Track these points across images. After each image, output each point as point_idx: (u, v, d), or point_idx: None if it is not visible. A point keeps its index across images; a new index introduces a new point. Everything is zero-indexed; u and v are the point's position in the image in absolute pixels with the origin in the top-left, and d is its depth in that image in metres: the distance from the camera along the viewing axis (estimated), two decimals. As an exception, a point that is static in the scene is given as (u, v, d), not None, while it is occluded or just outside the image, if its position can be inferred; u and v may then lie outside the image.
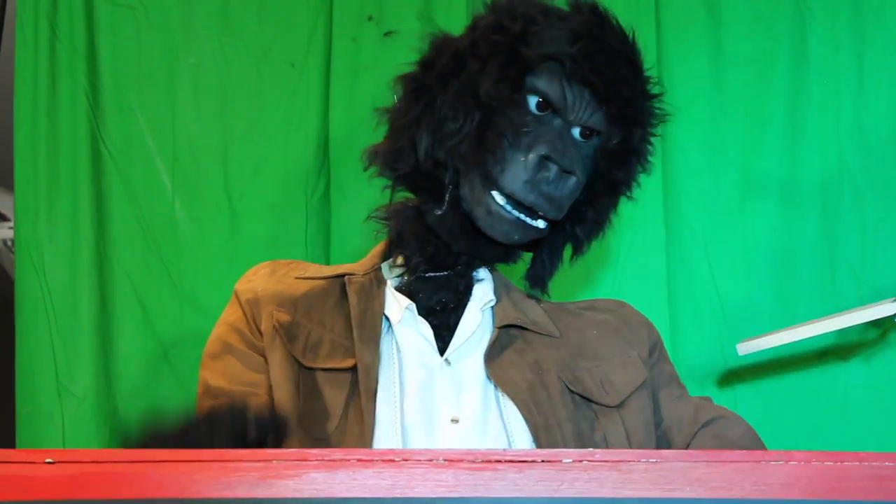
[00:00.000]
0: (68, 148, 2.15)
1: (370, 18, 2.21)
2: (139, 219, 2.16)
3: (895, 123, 2.21)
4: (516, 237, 1.53)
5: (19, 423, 2.10)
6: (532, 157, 1.49)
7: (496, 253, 1.59)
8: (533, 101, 1.51)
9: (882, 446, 2.09)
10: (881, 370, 2.15)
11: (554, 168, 1.49)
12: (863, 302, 2.11)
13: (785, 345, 2.02)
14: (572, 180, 1.50)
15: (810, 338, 1.97)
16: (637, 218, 2.18)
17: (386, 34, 2.20)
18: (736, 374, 2.19)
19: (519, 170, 1.49)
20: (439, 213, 1.54)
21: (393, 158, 1.56)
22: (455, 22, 2.13)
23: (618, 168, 1.56)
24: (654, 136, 1.60)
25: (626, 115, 1.53)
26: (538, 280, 1.63)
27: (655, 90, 1.59)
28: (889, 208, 2.19)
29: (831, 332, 2.14)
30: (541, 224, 1.54)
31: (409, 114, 1.54)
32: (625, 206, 2.16)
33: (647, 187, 2.18)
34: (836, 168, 2.21)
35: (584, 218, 1.59)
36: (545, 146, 1.49)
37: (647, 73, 1.59)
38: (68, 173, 2.15)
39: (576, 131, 1.53)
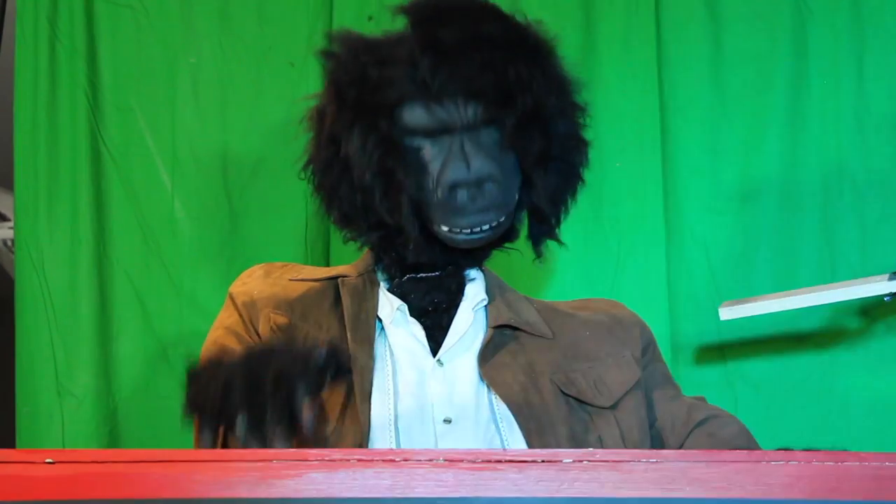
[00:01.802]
0: (68, 148, 2.15)
1: (370, 18, 2.21)
2: (139, 219, 2.16)
3: (895, 123, 2.21)
4: (482, 241, 1.53)
5: (19, 423, 2.10)
6: (441, 191, 1.48)
7: (486, 253, 1.59)
8: (418, 133, 1.50)
9: (881, 445, 2.09)
10: (881, 365, 2.15)
11: (465, 191, 1.48)
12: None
13: (786, 343, 2.02)
14: (489, 185, 1.48)
15: (799, 320, 1.95)
16: (637, 218, 2.18)
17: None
18: (736, 374, 2.18)
19: (440, 205, 1.49)
20: (412, 247, 1.54)
21: (343, 226, 1.59)
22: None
23: (530, 142, 1.52)
24: (553, 77, 1.53)
25: (504, 97, 1.48)
26: (538, 235, 1.61)
27: (520, 30, 1.51)
28: (889, 208, 2.19)
29: (832, 333, 2.15)
30: (495, 222, 1.51)
31: (330, 189, 1.56)
32: (625, 206, 2.18)
33: (648, 187, 2.20)
34: (836, 168, 2.21)
35: (538, 185, 1.54)
36: (448, 173, 1.48)
37: (507, 22, 1.51)
38: (68, 173, 2.15)
39: (474, 131, 1.50)
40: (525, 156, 1.52)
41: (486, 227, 1.50)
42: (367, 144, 1.49)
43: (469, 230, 1.50)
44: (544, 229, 1.60)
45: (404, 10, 1.50)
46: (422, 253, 1.54)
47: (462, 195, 1.47)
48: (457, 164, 1.48)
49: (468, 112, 1.49)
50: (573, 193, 1.61)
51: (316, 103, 1.59)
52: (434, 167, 1.49)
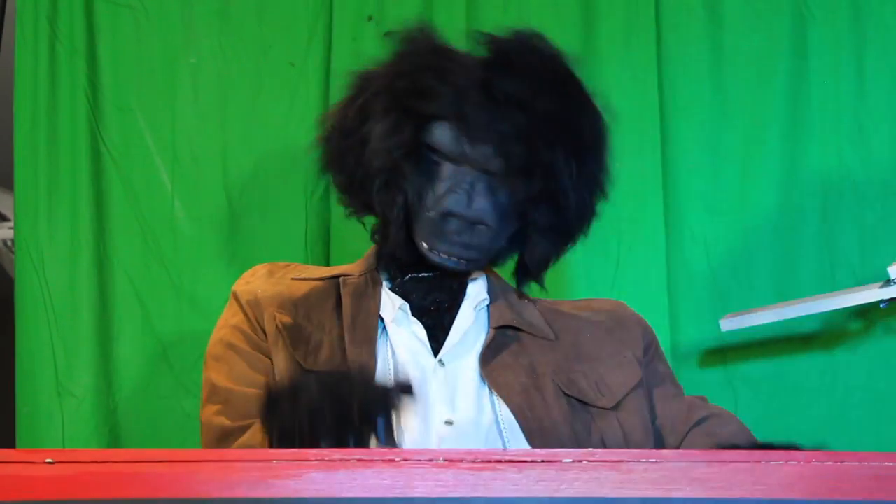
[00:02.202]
0: (68, 148, 2.15)
1: (370, 18, 2.21)
2: (139, 219, 2.16)
3: (895, 123, 2.21)
4: (463, 267, 1.54)
5: (19, 423, 2.10)
6: (433, 213, 1.50)
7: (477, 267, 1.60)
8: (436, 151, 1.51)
9: (880, 445, 2.09)
10: (879, 365, 2.15)
11: (458, 223, 1.49)
12: (863, 302, 2.12)
13: (786, 343, 2.02)
14: (482, 229, 1.50)
15: (799, 322, 1.96)
16: (637, 218, 2.18)
17: (386, 34, 2.20)
18: (736, 374, 2.18)
19: (428, 223, 1.51)
20: (392, 240, 1.55)
21: (341, 191, 1.59)
22: (454, 22, 2.14)
23: (544, 216, 1.53)
24: (576, 168, 1.52)
25: (524, 169, 1.49)
26: (524, 274, 1.62)
27: (588, 117, 1.53)
28: (889, 208, 2.19)
29: (831, 335, 2.15)
30: (476, 257, 1.53)
31: (340, 150, 1.56)
32: (625, 207, 2.18)
33: (648, 187, 2.20)
34: (836, 168, 2.21)
35: (538, 235, 1.55)
36: (449, 200, 1.49)
37: (574, 100, 1.52)
38: (68, 173, 2.15)
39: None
40: (529, 223, 1.54)
41: (462, 261, 1.53)
42: (393, 136, 1.49)
43: (447, 256, 1.52)
44: (529, 278, 1.62)
45: (490, 39, 1.52)
46: (401, 250, 1.55)
47: (452, 224, 1.50)
48: (461, 196, 1.49)
49: (493, 161, 1.50)
50: (562, 254, 1.62)
51: (370, 68, 1.58)
52: (439, 188, 1.50)
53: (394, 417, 1.23)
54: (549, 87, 1.49)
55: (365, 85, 1.56)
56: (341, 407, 1.21)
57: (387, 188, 1.51)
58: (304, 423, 1.21)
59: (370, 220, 1.63)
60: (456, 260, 1.52)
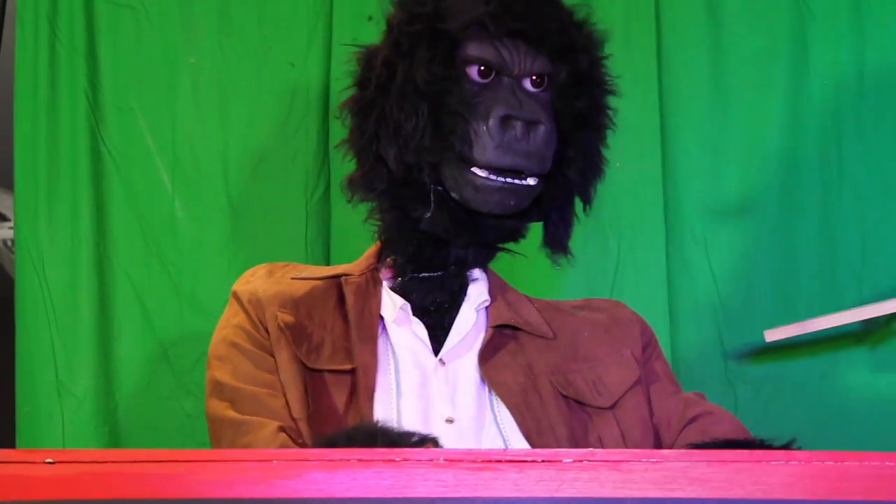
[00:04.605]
0: (68, 148, 2.15)
1: (370, 18, 2.21)
2: (139, 219, 2.16)
3: (895, 123, 2.21)
4: (512, 203, 1.51)
5: (19, 423, 2.10)
6: (493, 121, 1.48)
7: (500, 232, 1.57)
8: (474, 70, 1.51)
9: (881, 445, 2.09)
10: (881, 365, 2.16)
11: (518, 124, 1.48)
12: (863, 302, 2.11)
13: (786, 343, 2.03)
14: (541, 129, 1.49)
15: (813, 336, 1.97)
16: (637, 218, 2.18)
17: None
18: (736, 374, 2.18)
19: (486, 138, 1.48)
20: (429, 214, 1.53)
21: (368, 181, 1.56)
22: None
23: (576, 98, 1.55)
24: (603, 59, 1.60)
25: (563, 47, 1.54)
26: (557, 243, 1.61)
27: (582, 13, 1.60)
28: (889, 208, 2.19)
29: (832, 334, 2.16)
30: (531, 181, 1.52)
31: (364, 134, 1.55)
32: (625, 206, 2.18)
33: (648, 187, 2.20)
34: (837, 168, 2.21)
35: (570, 162, 1.56)
36: (501, 106, 1.49)
37: (569, 4, 1.59)
38: (68, 173, 2.15)
39: (527, 83, 1.53)
40: (566, 114, 1.54)
41: (521, 181, 1.50)
42: (434, 58, 1.50)
43: (504, 180, 1.49)
44: (561, 230, 1.61)
45: None
46: (445, 228, 1.53)
47: (514, 128, 1.48)
48: (511, 101, 1.50)
49: (527, 61, 1.52)
50: (598, 176, 1.63)
51: (369, 47, 1.60)
52: (487, 102, 1.50)
53: None
54: None
55: (372, 54, 1.57)
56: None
57: (436, 117, 1.50)
58: None
59: (370, 225, 1.62)
60: (511, 186, 1.50)
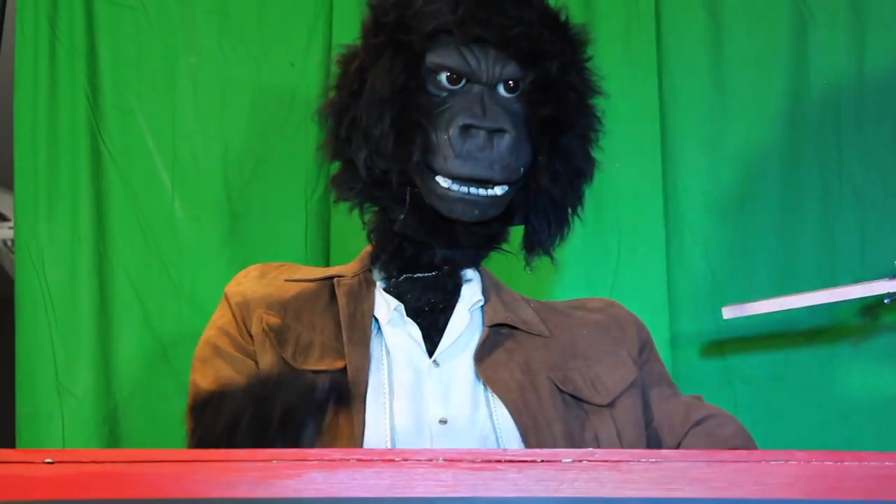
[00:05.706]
0: (68, 148, 2.15)
1: (370, 18, 2.21)
2: (139, 219, 2.16)
3: (895, 123, 2.21)
4: (476, 212, 1.50)
5: (19, 423, 2.10)
6: (453, 131, 1.47)
7: (475, 237, 1.56)
8: (443, 76, 1.51)
9: (880, 445, 2.09)
10: (881, 364, 2.16)
11: (481, 133, 1.47)
12: (863, 301, 2.11)
13: (785, 343, 2.02)
14: (506, 137, 1.47)
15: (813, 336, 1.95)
16: (637, 218, 2.18)
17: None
18: (735, 373, 2.19)
19: (446, 148, 1.47)
20: (403, 216, 1.53)
21: (344, 181, 1.57)
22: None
23: (543, 104, 1.52)
24: (580, 61, 1.57)
25: (531, 52, 1.51)
26: (535, 247, 1.60)
27: (562, 16, 1.56)
28: (889, 208, 2.19)
29: (832, 333, 2.16)
30: (497, 191, 1.50)
31: (338, 136, 1.55)
32: (625, 207, 2.18)
33: (648, 187, 2.20)
34: (836, 168, 2.21)
35: (541, 168, 1.54)
36: (462, 115, 1.47)
37: (542, 2, 1.56)
38: (68, 173, 2.15)
39: (501, 88, 1.52)
40: (533, 120, 1.52)
41: (485, 192, 1.49)
42: (395, 68, 1.49)
43: (467, 189, 1.48)
44: (543, 235, 1.59)
45: None
46: (419, 230, 1.53)
47: (473, 138, 1.47)
48: (474, 109, 1.48)
49: (496, 67, 1.50)
50: (580, 181, 1.59)
51: (350, 49, 1.59)
52: (450, 112, 1.49)
53: (327, 418, 1.24)
54: None
55: (352, 56, 1.57)
56: (264, 409, 1.22)
57: (398, 126, 1.49)
58: (223, 430, 1.22)
59: (368, 219, 1.62)
60: (476, 197, 1.48)
